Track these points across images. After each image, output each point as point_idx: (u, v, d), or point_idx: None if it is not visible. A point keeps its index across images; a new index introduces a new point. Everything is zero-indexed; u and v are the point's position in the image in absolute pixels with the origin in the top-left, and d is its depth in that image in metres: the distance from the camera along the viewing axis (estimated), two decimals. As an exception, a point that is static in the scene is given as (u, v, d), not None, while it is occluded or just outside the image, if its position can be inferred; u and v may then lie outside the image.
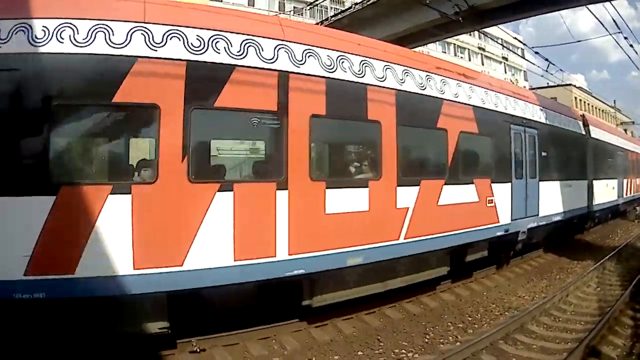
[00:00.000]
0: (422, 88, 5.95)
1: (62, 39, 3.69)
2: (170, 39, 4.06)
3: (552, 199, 9.37)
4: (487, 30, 19.12)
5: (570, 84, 37.70)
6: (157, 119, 3.99)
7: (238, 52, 4.38)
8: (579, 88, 46.35)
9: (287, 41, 4.72)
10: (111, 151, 4.51)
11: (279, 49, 4.64)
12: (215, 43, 4.26)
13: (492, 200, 7.26)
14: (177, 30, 4.10)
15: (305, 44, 4.84)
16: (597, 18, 9.18)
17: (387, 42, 6.47)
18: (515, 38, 32.59)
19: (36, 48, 3.63)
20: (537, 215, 8.74)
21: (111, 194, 3.78)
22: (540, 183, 8.87)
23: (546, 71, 12.45)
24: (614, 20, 9.96)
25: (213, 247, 4.18)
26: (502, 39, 29.95)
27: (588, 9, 9.21)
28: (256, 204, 4.44)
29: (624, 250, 10.32)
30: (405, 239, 5.62)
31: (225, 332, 4.65)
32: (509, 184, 7.80)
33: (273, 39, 4.64)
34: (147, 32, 3.97)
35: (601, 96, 48.43)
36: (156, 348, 4.32)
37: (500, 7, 13.68)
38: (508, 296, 6.83)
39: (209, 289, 4.25)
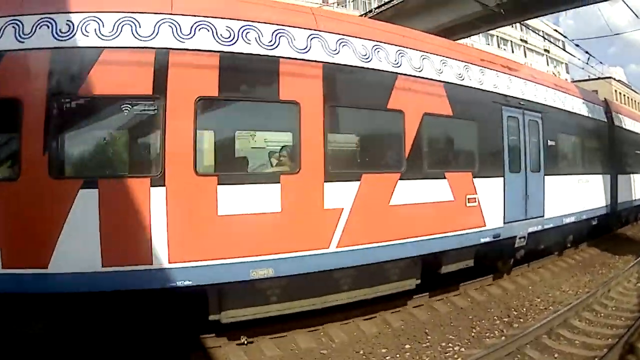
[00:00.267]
0: (366, 60, 4.78)
1: None
2: None
3: (564, 197, 7.68)
4: (528, 22, 19.00)
5: (610, 77, 36.79)
6: (20, 113, 3.53)
7: (110, 32, 3.74)
8: (619, 81, 43.45)
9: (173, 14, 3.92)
10: None
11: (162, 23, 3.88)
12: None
13: (474, 198, 5.87)
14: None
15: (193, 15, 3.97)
16: (632, 11, 8.59)
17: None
18: (556, 30, 31.53)
19: None
20: (542, 216, 7.14)
21: None
22: (547, 178, 7.24)
23: (587, 64, 11.82)
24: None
25: (78, 249, 3.59)
26: (543, 31, 28.94)
27: (624, 2, 8.23)
28: (126, 203, 3.71)
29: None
30: (338, 247, 4.48)
31: (272, 324, 4.62)
32: (500, 179, 6.34)
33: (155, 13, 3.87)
34: None
35: (641, 89, 44.22)
36: (203, 342, 4.30)
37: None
38: (552, 290, 6.84)
39: (80, 296, 3.68)
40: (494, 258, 6.88)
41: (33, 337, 3.85)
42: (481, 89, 6.10)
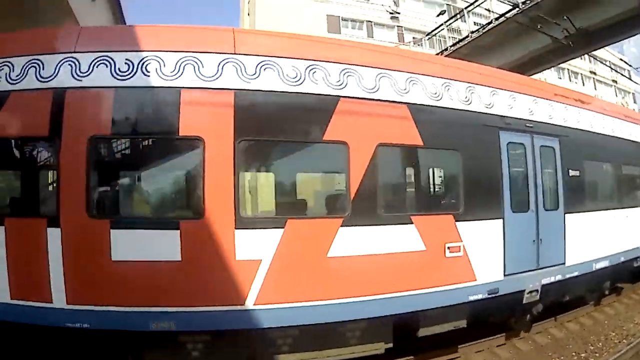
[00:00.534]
0: (295, 83, 4.10)
1: None
2: None
3: (594, 238, 6.09)
4: (595, 53, 19.43)
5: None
6: None
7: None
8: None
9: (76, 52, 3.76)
10: None
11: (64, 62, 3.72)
12: None
13: (457, 247, 4.68)
14: None
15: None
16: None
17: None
18: (621, 59, 30.55)
19: None
20: (563, 264, 5.62)
21: None
22: (568, 217, 5.74)
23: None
24: None
25: None
26: (609, 61, 27.60)
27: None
28: (27, 241, 3.65)
29: None
30: (256, 304, 3.74)
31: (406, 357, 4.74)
32: (498, 221, 5.05)
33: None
34: None
35: None
36: None
37: (607, 26, 12.69)
38: (626, 323, 6.65)
39: None
40: (500, 316, 5.49)
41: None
42: (467, 110, 5.00)
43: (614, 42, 17.55)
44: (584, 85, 39.00)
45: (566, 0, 12.19)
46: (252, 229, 3.78)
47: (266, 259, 3.78)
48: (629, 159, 7.29)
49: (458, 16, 19.77)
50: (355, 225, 4.11)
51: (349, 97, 4.25)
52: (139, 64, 3.73)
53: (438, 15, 24.32)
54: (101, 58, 3.73)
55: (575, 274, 5.82)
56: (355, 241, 4.11)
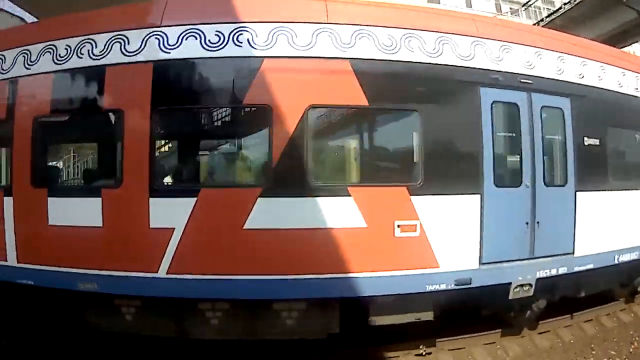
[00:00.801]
0: (216, 47, 3.79)
1: None
2: None
3: (617, 223, 4.85)
4: None
5: None
6: None
7: None
8: None
9: None
10: None
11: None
12: None
13: (412, 226, 4.02)
14: None
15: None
16: None
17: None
18: None
19: None
20: (571, 253, 4.54)
21: None
22: (581, 195, 4.57)
23: None
24: None
25: None
26: None
27: None
28: None
29: None
30: (168, 273, 3.72)
31: (451, 336, 4.85)
32: (474, 197, 4.21)
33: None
34: None
35: None
36: (381, 350, 4.55)
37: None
38: None
39: None
40: (482, 311, 4.67)
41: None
42: (433, 64, 4.17)
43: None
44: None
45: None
46: (165, 197, 3.75)
47: (179, 228, 3.72)
48: None
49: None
50: (277, 197, 3.79)
51: (276, 56, 3.88)
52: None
53: (534, -14, 22.79)
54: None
55: (589, 266, 4.63)
56: (277, 213, 3.80)
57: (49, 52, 4.07)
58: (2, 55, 4.28)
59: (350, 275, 3.92)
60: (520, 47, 4.57)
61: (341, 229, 3.88)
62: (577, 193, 4.63)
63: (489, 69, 4.35)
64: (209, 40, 3.86)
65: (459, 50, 4.28)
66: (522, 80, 4.47)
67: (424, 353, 4.60)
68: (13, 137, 4.10)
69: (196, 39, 3.85)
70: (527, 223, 4.40)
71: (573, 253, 4.62)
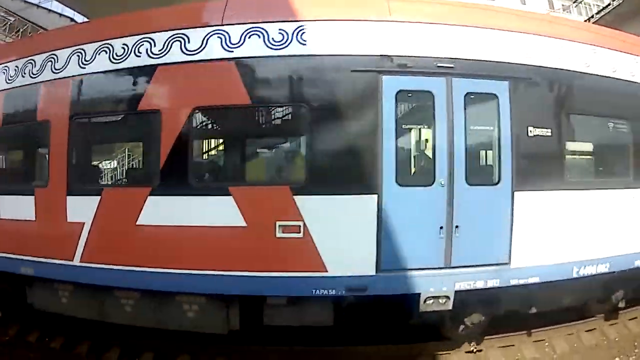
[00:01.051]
0: (118, 60, 4.14)
1: None
2: None
3: (578, 229, 3.97)
4: None
5: None
6: None
7: None
8: None
9: None
10: None
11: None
12: None
13: (295, 227, 3.83)
14: None
15: None
16: None
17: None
18: None
19: None
20: (506, 264, 3.80)
21: None
22: (520, 196, 3.78)
23: None
24: None
25: None
26: None
27: None
28: None
29: None
30: (81, 261, 4.24)
31: (501, 334, 4.85)
32: (370, 197, 3.80)
33: None
34: None
35: None
36: (427, 347, 4.59)
37: None
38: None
39: None
40: (390, 322, 4.19)
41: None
42: (327, 55, 3.88)
43: None
44: None
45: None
46: (78, 195, 4.30)
47: (88, 222, 4.23)
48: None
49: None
50: (164, 195, 4.03)
51: (167, 63, 4.13)
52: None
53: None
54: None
55: (533, 280, 3.73)
56: (164, 211, 4.03)
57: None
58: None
59: (235, 273, 3.94)
60: (438, 27, 3.94)
61: (221, 227, 3.94)
62: (516, 193, 3.79)
63: (392, 55, 3.88)
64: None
65: (357, 40, 3.91)
66: (441, 65, 3.85)
67: (474, 350, 4.53)
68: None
69: None
70: (441, 227, 3.79)
71: (508, 263, 3.81)
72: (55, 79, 4.46)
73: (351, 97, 3.87)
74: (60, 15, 19.61)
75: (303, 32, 3.92)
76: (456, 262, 3.80)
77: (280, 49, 3.91)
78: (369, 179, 3.80)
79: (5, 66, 4.91)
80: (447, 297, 3.81)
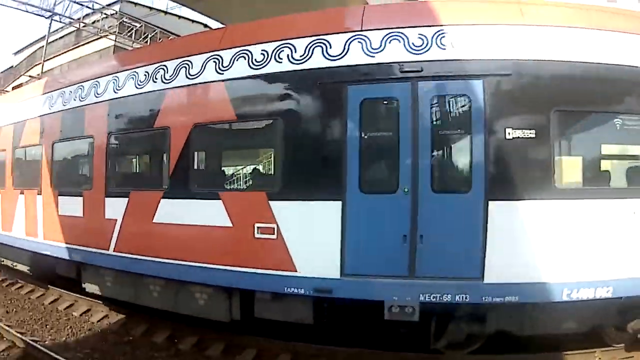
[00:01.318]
0: (141, 86, 5.05)
1: None
2: None
3: (566, 244, 3.55)
4: None
5: None
6: None
7: None
8: None
9: None
10: None
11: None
12: None
13: (270, 229, 4.20)
14: None
15: None
16: None
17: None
18: None
19: None
20: (478, 278, 3.60)
21: None
22: (495, 205, 3.57)
23: None
24: None
25: None
26: None
27: None
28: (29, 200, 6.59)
29: None
30: (115, 251, 5.23)
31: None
32: (334, 203, 3.97)
33: None
34: None
35: None
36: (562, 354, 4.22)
37: None
38: None
39: None
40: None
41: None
42: (296, 70, 4.16)
43: None
44: None
45: None
46: (112, 197, 5.33)
47: (119, 219, 5.24)
48: None
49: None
50: (173, 198, 4.79)
51: (175, 87, 4.89)
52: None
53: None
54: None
55: (510, 299, 3.43)
56: (172, 211, 4.79)
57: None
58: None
59: (226, 267, 4.47)
60: (407, 31, 3.91)
61: (214, 227, 4.51)
62: (490, 202, 3.54)
63: (359, 64, 3.98)
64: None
65: (329, 52, 4.12)
66: (406, 70, 3.83)
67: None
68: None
69: None
70: (404, 236, 3.75)
71: (481, 278, 3.57)
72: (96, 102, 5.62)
73: (320, 109, 4.11)
74: (193, 21, 20.03)
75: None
76: (420, 272, 3.71)
77: None
78: (335, 186, 3.96)
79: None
80: (412, 308, 3.75)
